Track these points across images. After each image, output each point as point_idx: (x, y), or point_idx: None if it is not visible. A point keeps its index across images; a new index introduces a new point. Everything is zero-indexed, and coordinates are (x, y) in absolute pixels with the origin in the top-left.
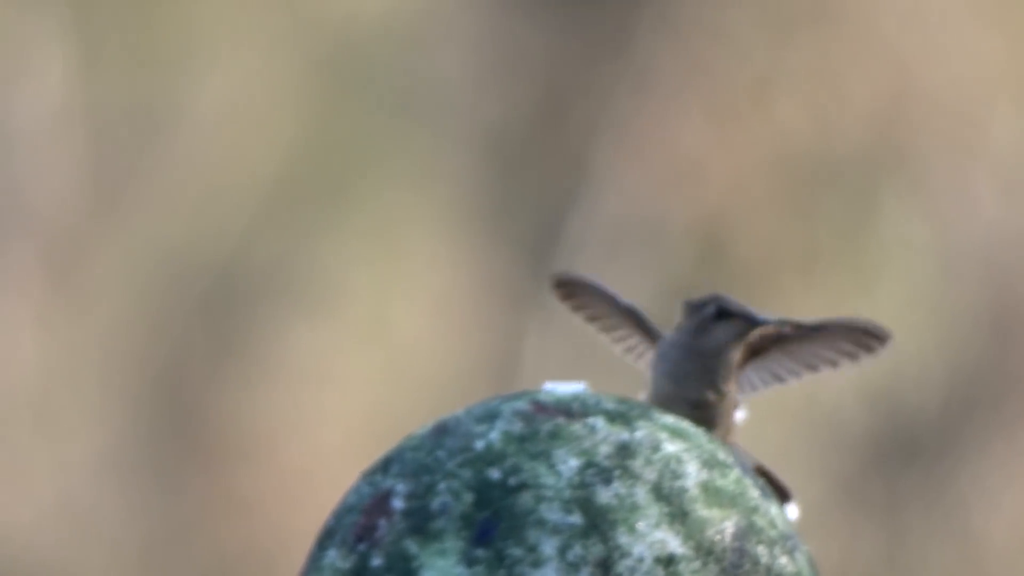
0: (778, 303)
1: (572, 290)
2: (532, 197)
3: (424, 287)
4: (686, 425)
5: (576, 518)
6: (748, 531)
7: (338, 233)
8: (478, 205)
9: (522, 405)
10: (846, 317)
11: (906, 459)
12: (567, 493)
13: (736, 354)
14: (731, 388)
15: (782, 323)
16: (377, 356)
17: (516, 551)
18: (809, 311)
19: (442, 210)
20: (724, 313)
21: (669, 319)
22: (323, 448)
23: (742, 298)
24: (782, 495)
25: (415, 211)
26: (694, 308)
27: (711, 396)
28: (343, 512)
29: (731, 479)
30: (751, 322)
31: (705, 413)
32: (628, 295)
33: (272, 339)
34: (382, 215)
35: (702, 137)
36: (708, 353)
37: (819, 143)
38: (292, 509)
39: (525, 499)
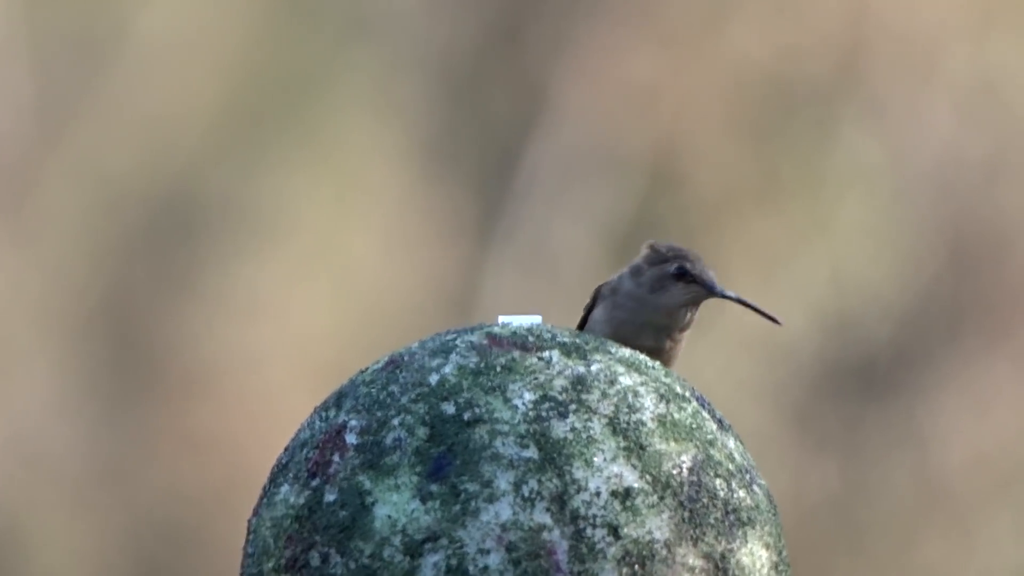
0: (735, 229)
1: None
2: (486, 125)
3: (376, 217)
4: (642, 358)
5: (531, 452)
6: (705, 464)
7: (287, 163)
8: (430, 134)
9: (476, 338)
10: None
11: (862, 389)
12: (522, 427)
13: (690, 313)
14: (684, 335)
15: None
16: (329, 288)
17: (471, 486)
18: (766, 237)
19: (393, 139)
20: (685, 275)
21: (627, 248)
22: (275, 382)
23: (701, 225)
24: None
25: (366, 140)
26: (656, 258)
27: (666, 344)
28: (296, 447)
29: (688, 412)
30: (710, 291)
31: (659, 356)
32: (584, 223)
33: (221, 271)
34: (332, 145)
35: (658, 64)
36: (662, 310)
37: (776, 70)
38: (244, 443)
39: (480, 433)
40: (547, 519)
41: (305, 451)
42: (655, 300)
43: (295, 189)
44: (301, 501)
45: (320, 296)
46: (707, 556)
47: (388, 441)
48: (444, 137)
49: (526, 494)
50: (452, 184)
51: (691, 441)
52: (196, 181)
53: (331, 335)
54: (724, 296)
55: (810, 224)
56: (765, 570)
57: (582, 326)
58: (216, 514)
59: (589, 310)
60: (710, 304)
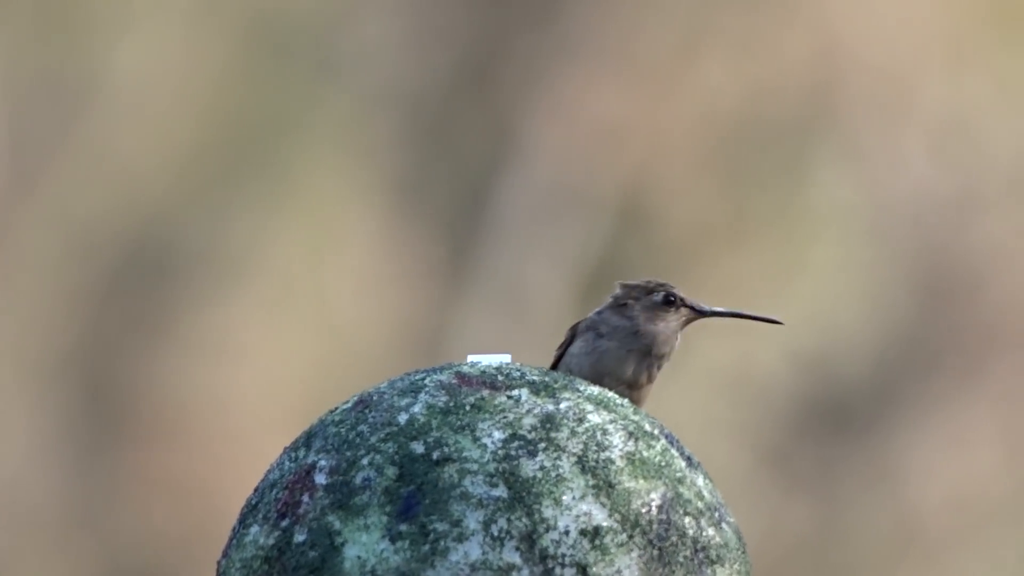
0: (707, 269)
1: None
2: (456, 165)
3: (347, 258)
4: (611, 396)
5: (500, 491)
6: (675, 502)
7: (258, 205)
8: (401, 174)
9: (445, 377)
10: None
11: (837, 427)
12: (491, 466)
13: (676, 340)
14: (660, 371)
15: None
16: (300, 329)
17: (440, 525)
18: (739, 276)
19: (364, 179)
20: (674, 301)
21: (597, 286)
22: (246, 424)
23: (672, 264)
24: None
25: (337, 181)
26: (638, 292)
27: (644, 379)
28: (265, 487)
29: (657, 450)
30: (700, 313)
31: (635, 393)
32: (554, 263)
33: (193, 314)
34: (303, 186)
35: (628, 102)
36: (660, 336)
37: (747, 106)
38: (216, 486)
39: (449, 473)
40: (516, 558)
41: (275, 491)
42: (651, 329)
43: (266, 231)
44: (271, 542)
45: (291, 337)
46: None
47: (358, 481)
48: (414, 177)
49: (495, 533)
50: (422, 224)
51: (660, 479)
52: (168, 224)
53: (302, 376)
54: (715, 313)
55: (783, 263)
56: None
57: (555, 365)
58: (189, 557)
59: (565, 347)
60: (681, 344)
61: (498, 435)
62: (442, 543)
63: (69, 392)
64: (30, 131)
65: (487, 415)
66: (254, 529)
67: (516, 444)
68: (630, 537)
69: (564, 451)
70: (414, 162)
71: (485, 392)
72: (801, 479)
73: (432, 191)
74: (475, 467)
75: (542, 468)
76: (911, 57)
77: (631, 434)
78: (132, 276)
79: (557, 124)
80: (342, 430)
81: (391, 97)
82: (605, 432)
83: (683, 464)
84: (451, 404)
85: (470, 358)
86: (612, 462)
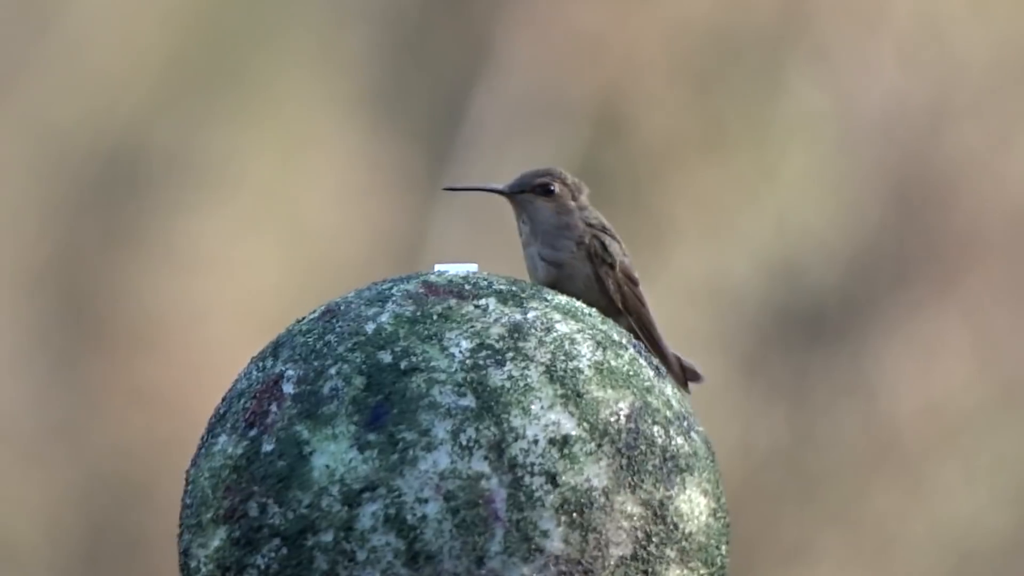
0: (681, 178)
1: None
2: (432, 76)
3: (323, 170)
4: (579, 305)
5: (469, 401)
6: (643, 411)
7: (233, 116)
8: (377, 86)
9: (412, 287)
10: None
11: (810, 336)
12: (459, 376)
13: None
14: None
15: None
16: (275, 241)
17: (408, 435)
18: (712, 185)
19: (340, 91)
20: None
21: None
22: (221, 336)
23: (646, 174)
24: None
25: (312, 93)
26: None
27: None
28: (233, 397)
29: (625, 359)
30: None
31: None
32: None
33: (167, 225)
34: (278, 98)
35: (603, 13)
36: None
37: (720, 17)
38: (190, 397)
39: (417, 382)
40: (485, 467)
41: (242, 401)
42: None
43: (241, 142)
44: (239, 451)
45: (267, 249)
46: (645, 503)
47: (325, 391)
48: (390, 89)
49: (464, 443)
50: (399, 136)
51: (628, 388)
52: (142, 135)
53: (278, 289)
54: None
55: (755, 172)
56: (703, 517)
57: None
58: (163, 468)
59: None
60: (655, 255)
61: (466, 344)
62: (411, 452)
63: (43, 303)
64: (3, 39)
65: (454, 324)
66: (222, 438)
67: (484, 353)
68: (599, 446)
69: (532, 360)
70: (390, 73)
71: (452, 301)
72: (775, 388)
73: (408, 102)
74: (443, 376)
75: (510, 377)
76: None
77: (599, 343)
78: (106, 187)
79: (532, 35)
80: (309, 340)
81: (367, 8)
82: (573, 341)
83: (651, 373)
84: (418, 313)
85: (437, 267)
86: (580, 371)
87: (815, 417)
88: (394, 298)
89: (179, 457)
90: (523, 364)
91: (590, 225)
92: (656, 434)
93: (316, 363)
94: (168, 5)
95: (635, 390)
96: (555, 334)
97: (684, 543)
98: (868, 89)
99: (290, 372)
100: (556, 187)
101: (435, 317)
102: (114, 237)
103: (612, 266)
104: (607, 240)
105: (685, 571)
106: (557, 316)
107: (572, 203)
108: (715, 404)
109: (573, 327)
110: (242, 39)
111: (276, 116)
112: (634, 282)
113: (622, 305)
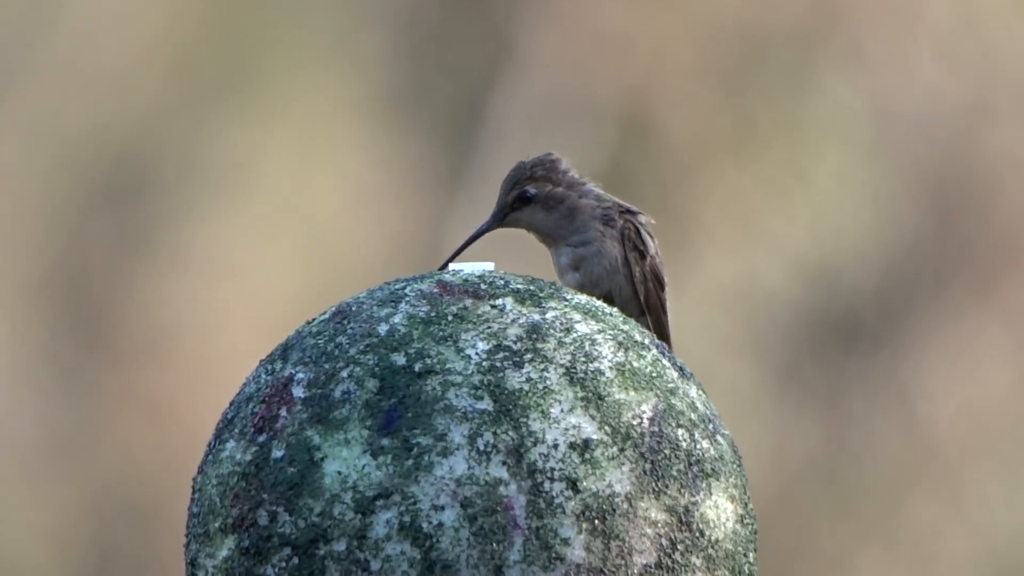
0: (709, 179)
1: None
2: (452, 76)
3: (340, 172)
4: (600, 305)
5: (486, 404)
6: (667, 414)
7: (246, 118)
8: (395, 86)
9: (426, 286)
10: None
11: (845, 343)
12: (476, 378)
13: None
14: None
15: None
16: (291, 246)
17: (424, 440)
18: (742, 187)
19: (358, 92)
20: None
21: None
22: (235, 344)
23: (674, 175)
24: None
25: (329, 94)
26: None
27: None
28: (241, 401)
29: (648, 360)
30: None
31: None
32: None
33: (178, 229)
34: (294, 99)
35: (628, 11)
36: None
37: (750, 14)
38: (202, 409)
39: (432, 385)
40: (503, 473)
41: (251, 406)
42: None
43: (256, 144)
44: (248, 458)
45: (282, 255)
46: (670, 510)
47: (337, 394)
48: (409, 89)
49: (481, 447)
50: (418, 137)
51: (651, 390)
52: (152, 138)
53: (294, 296)
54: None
55: (787, 174)
56: (730, 523)
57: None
58: (174, 485)
59: None
60: (683, 259)
61: (482, 346)
62: (426, 457)
63: (49, 312)
64: (8, 40)
65: (470, 325)
66: (230, 444)
67: (501, 355)
68: (621, 450)
69: (551, 362)
70: (410, 74)
71: (468, 301)
72: (809, 397)
73: (428, 103)
74: (459, 379)
75: (529, 380)
76: None
77: (621, 344)
78: (114, 191)
79: (555, 34)
80: (320, 341)
81: (385, 7)
82: (594, 342)
83: (675, 375)
84: (433, 314)
85: (452, 266)
86: (601, 373)
87: (851, 427)
88: (407, 298)
89: (191, 473)
90: (542, 366)
91: (603, 203)
92: (681, 437)
93: (327, 366)
94: (179, 4)
95: (658, 392)
96: (575, 335)
97: (710, 550)
98: (904, 88)
99: (300, 375)
100: (531, 189)
101: (450, 318)
102: (123, 243)
103: (643, 255)
104: (642, 230)
105: None
106: (577, 316)
107: (558, 188)
108: (747, 413)
109: (594, 327)
110: (255, 37)
111: (291, 117)
112: (661, 285)
113: (644, 300)
